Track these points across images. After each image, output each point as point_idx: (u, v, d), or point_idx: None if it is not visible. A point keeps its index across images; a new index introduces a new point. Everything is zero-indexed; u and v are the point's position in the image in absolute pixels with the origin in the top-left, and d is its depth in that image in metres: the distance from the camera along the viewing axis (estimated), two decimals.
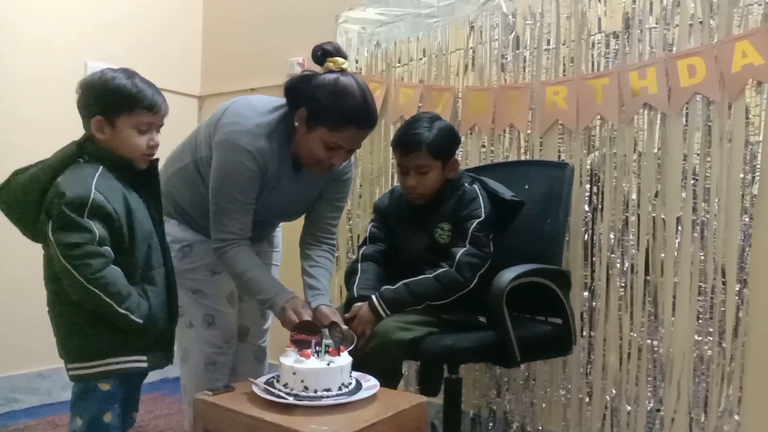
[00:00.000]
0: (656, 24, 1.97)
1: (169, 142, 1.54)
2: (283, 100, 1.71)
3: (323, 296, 1.74)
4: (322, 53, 1.65)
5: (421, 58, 2.48)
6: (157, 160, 1.54)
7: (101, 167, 1.42)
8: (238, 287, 1.82)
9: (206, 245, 1.76)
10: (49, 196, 1.37)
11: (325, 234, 1.88)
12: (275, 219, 1.92)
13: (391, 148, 2.09)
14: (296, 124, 1.66)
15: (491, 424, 2.30)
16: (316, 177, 1.78)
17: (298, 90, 1.66)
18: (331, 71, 1.63)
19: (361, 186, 2.64)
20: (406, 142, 1.85)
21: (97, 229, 1.36)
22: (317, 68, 1.68)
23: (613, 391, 2.05)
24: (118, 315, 1.38)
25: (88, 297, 1.35)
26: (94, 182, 1.38)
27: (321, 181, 1.82)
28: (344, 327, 1.61)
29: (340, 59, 1.64)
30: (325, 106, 1.60)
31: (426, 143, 1.80)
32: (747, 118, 1.83)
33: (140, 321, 1.41)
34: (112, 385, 1.44)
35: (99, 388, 1.43)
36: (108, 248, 1.38)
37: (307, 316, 1.61)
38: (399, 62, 2.54)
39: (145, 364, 1.46)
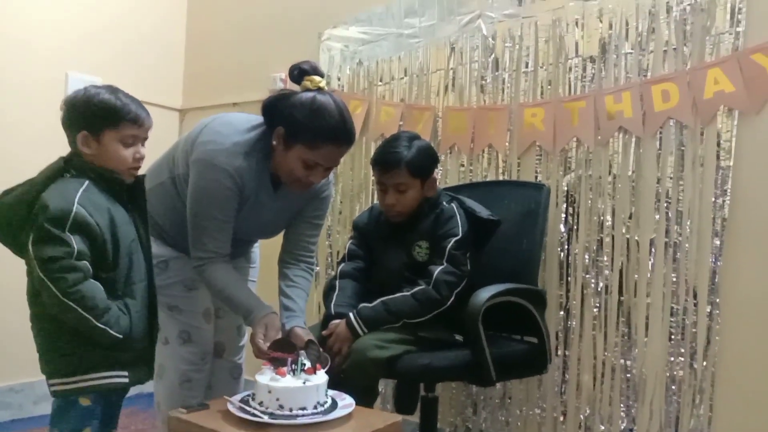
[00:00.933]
0: (632, 50, 2.02)
1: (149, 155, 1.54)
2: (261, 118, 1.72)
3: (298, 318, 1.74)
4: (299, 72, 1.67)
5: (402, 78, 2.51)
6: (144, 175, 1.54)
7: (87, 181, 1.42)
8: (219, 303, 1.82)
9: (182, 261, 1.75)
10: (34, 211, 1.37)
11: (304, 252, 1.88)
12: (254, 236, 1.93)
13: (372, 183, 2.10)
14: (274, 142, 1.66)
15: None
16: (295, 195, 1.79)
17: (276, 109, 1.66)
18: (308, 90, 1.65)
19: (341, 202, 2.65)
20: (385, 160, 1.87)
21: (77, 243, 1.35)
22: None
23: (587, 411, 2.07)
24: (95, 329, 1.36)
25: (65, 311, 1.34)
26: (78, 196, 1.38)
27: (300, 200, 1.83)
28: (319, 349, 1.61)
29: (317, 78, 1.65)
30: (302, 125, 1.61)
31: (405, 161, 1.83)
32: (718, 143, 1.87)
33: (119, 336, 1.40)
34: (92, 400, 1.43)
35: (79, 403, 1.42)
36: (86, 263, 1.37)
37: (275, 336, 1.62)
38: (381, 81, 2.56)
39: (126, 380, 1.45)
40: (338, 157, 1.69)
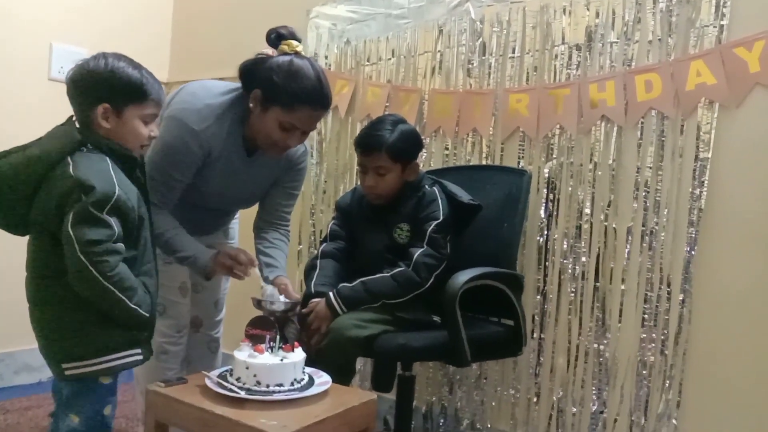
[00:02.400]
0: (617, 39, 2.03)
1: None
2: (239, 85, 1.73)
3: (279, 270, 1.80)
4: (276, 36, 1.69)
5: (389, 58, 2.50)
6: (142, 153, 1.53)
7: (107, 158, 1.39)
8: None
9: None
10: (65, 187, 1.32)
11: (280, 220, 1.92)
12: (231, 206, 1.93)
13: (356, 168, 2.12)
14: (251, 105, 1.68)
15: (442, 421, 2.36)
16: (270, 163, 1.80)
17: (253, 71, 1.68)
18: (285, 53, 1.66)
19: (325, 182, 2.66)
20: (366, 142, 1.88)
21: (116, 225, 1.34)
22: None
23: (560, 393, 2.12)
24: (128, 311, 1.36)
25: (102, 293, 1.33)
26: (114, 177, 1.36)
27: (275, 168, 1.84)
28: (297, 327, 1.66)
29: (294, 42, 1.67)
30: (279, 86, 1.63)
31: (386, 146, 1.84)
32: (698, 135, 1.90)
33: (146, 315, 1.41)
34: (112, 377, 1.44)
35: (99, 382, 1.42)
36: (122, 245, 1.36)
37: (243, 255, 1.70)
38: (368, 61, 2.56)
39: (140, 357, 1.45)
40: (314, 120, 1.72)
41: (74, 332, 1.38)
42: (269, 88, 1.64)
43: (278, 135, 1.68)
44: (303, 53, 1.69)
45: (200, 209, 1.83)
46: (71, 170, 1.33)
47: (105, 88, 1.40)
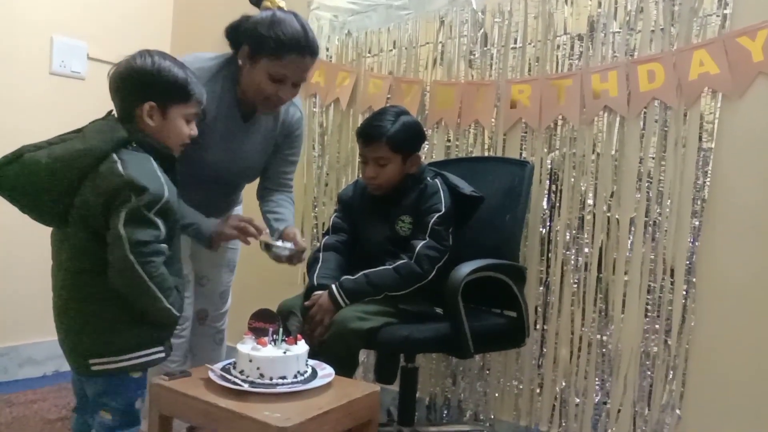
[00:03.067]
0: (620, 29, 2.02)
1: None
2: (229, 52, 1.78)
3: (288, 222, 1.86)
4: None
5: (391, 50, 2.50)
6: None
7: (151, 158, 1.40)
8: (204, 271, 1.86)
9: None
10: (114, 185, 1.32)
11: (283, 187, 1.97)
12: (235, 177, 1.93)
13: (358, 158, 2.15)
14: (240, 62, 1.73)
15: (445, 412, 2.36)
16: (267, 128, 1.85)
17: (238, 29, 1.74)
18: (268, 9, 1.72)
19: (327, 174, 2.66)
20: (367, 133, 1.88)
21: (162, 226, 1.36)
22: None
23: (563, 383, 2.12)
24: (163, 310, 1.38)
25: (144, 292, 1.34)
26: (162, 178, 1.37)
27: (272, 132, 1.88)
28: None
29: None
30: (265, 37, 1.67)
31: (387, 136, 1.84)
32: (701, 125, 1.89)
33: (178, 315, 1.42)
34: (142, 372, 1.45)
35: (130, 376, 1.43)
36: (166, 245, 1.38)
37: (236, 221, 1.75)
38: (369, 52, 2.55)
39: (163, 354, 1.47)
40: (304, 69, 1.74)
41: (107, 328, 1.39)
42: (255, 41, 1.69)
43: (270, 87, 1.71)
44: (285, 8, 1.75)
45: (207, 185, 1.83)
46: (120, 169, 1.33)
47: (151, 87, 1.41)
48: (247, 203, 2.11)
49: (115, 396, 1.42)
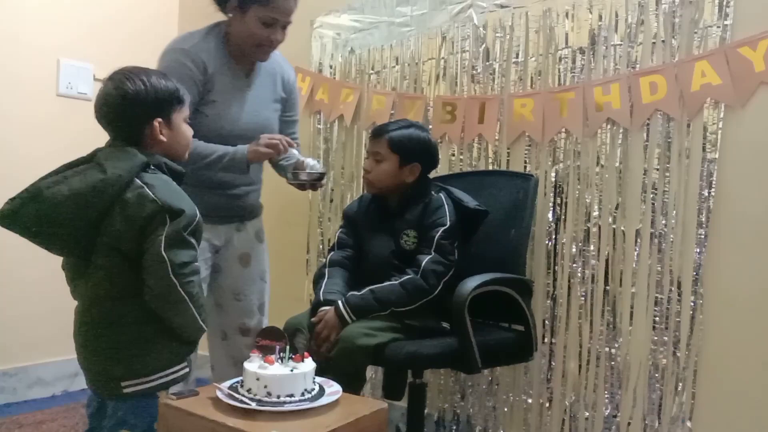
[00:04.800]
0: (621, 41, 2.03)
1: None
2: (213, 23, 1.91)
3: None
4: None
5: (394, 66, 2.51)
6: None
7: (170, 178, 1.43)
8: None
9: None
10: (148, 210, 1.33)
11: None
12: (252, 132, 1.93)
13: (363, 156, 2.24)
14: (230, 15, 1.85)
15: (454, 427, 2.35)
16: (268, 80, 1.97)
17: None
18: None
19: (332, 191, 2.67)
20: (375, 130, 1.98)
21: (196, 246, 1.40)
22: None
23: (572, 397, 2.11)
24: (198, 329, 1.42)
25: (183, 311, 1.38)
26: (188, 197, 1.42)
27: (276, 89, 2.01)
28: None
29: None
30: None
31: (389, 134, 1.90)
32: (704, 135, 1.89)
33: (205, 331, 1.46)
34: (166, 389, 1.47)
35: (156, 396, 1.44)
36: (199, 264, 1.42)
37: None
38: (372, 69, 2.57)
39: (187, 370, 1.49)
40: (290, 11, 1.85)
41: (139, 350, 1.41)
42: None
43: (263, 32, 1.82)
44: None
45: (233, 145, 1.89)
46: (151, 194, 1.35)
47: (153, 105, 1.44)
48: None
49: (142, 416, 1.44)
